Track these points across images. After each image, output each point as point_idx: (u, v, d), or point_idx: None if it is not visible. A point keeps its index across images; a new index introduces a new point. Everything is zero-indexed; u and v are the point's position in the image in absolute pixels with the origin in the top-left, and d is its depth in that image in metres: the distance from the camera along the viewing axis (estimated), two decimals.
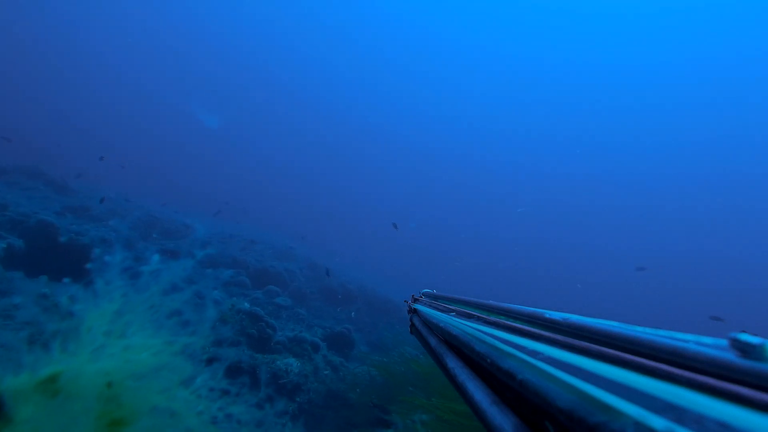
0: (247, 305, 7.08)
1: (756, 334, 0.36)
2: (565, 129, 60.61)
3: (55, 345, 0.98)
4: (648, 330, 0.41)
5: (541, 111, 60.45)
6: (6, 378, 0.80)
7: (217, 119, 62.24)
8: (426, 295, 0.91)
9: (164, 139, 61.22)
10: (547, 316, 0.51)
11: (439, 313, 0.76)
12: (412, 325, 0.86)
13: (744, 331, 0.33)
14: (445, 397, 4.60)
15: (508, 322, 0.55)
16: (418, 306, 0.86)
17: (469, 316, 0.66)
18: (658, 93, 52.21)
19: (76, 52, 52.89)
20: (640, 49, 50.52)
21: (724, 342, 0.35)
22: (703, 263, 57.47)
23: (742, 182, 52.41)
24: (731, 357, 0.33)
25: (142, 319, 1.32)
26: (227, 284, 9.54)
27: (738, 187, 52.87)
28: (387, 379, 6.48)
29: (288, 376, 5.82)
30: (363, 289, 15.15)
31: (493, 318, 0.60)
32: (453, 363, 0.61)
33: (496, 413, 0.47)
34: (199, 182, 53.75)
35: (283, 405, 5.33)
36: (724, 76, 47.79)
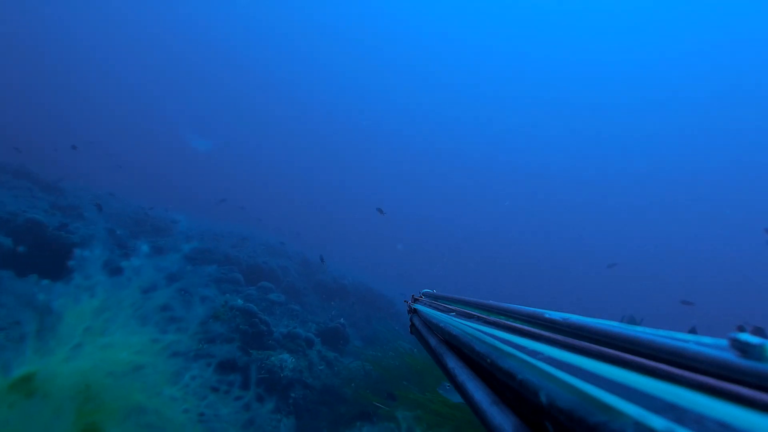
0: (240, 302, 7.06)
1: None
2: (560, 127, 60.91)
3: (30, 343, 0.95)
4: (648, 330, 0.41)
5: (535, 109, 60.64)
6: None
7: (208, 143, 61.80)
8: (426, 295, 0.91)
9: (158, 139, 60.76)
10: (547, 316, 0.51)
11: (439, 313, 0.76)
12: (412, 325, 0.86)
13: (744, 331, 0.34)
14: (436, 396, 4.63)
15: (508, 322, 0.56)
16: (418, 306, 0.86)
17: (469, 316, 0.66)
18: (648, 93, 52.59)
19: (68, 52, 52.15)
20: (632, 49, 50.78)
21: (724, 342, 0.35)
22: (679, 257, 58.56)
23: (726, 180, 53.18)
24: (731, 357, 0.33)
25: (125, 316, 1.29)
26: (219, 281, 9.49)
27: (720, 185, 53.69)
28: (381, 373, 6.51)
29: (282, 372, 5.82)
30: (357, 285, 15.16)
31: (493, 318, 0.60)
32: (453, 363, 0.61)
33: (496, 413, 0.47)
34: (192, 181, 53.46)
35: (277, 401, 5.34)
36: (711, 76, 48.23)
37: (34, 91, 50.19)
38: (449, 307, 0.76)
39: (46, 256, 6.38)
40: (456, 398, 3.53)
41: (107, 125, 54.28)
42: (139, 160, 50.06)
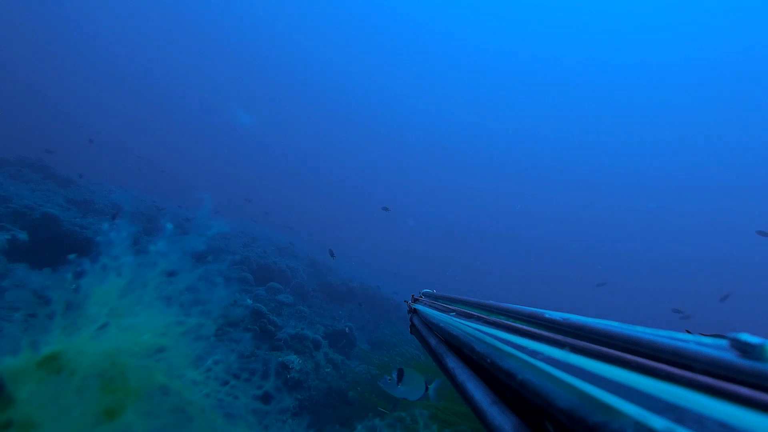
0: (249, 301, 7.10)
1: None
2: (563, 128, 60.70)
3: (58, 322, 0.97)
4: (648, 330, 0.41)
5: (539, 110, 60.51)
6: (5, 359, 0.80)
7: (251, 118, 62.55)
8: (426, 295, 0.91)
9: (172, 137, 61.63)
10: (547, 316, 0.51)
11: (439, 313, 0.76)
12: (412, 325, 0.86)
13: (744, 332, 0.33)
14: (444, 398, 4.59)
15: (508, 322, 0.56)
16: (418, 306, 0.87)
17: (469, 316, 0.66)
18: (651, 93, 52.29)
19: (84, 47, 53.11)
20: (638, 50, 50.54)
21: (724, 342, 0.35)
22: (679, 262, 57.98)
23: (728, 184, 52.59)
24: (731, 357, 0.33)
25: (150, 297, 1.30)
26: (230, 279, 9.54)
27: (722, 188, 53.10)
28: None
29: (289, 373, 5.84)
30: (365, 287, 15.16)
31: (493, 318, 0.60)
32: (453, 363, 0.61)
33: (496, 413, 0.47)
34: (200, 179, 54.11)
35: (285, 401, 5.34)
36: (718, 78, 47.80)
37: (52, 89, 51.27)
38: (449, 307, 0.76)
39: (60, 250, 6.49)
40: (394, 392, 3.44)
41: (119, 122, 55.20)
42: (152, 157, 50.69)
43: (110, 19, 50.03)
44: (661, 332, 0.41)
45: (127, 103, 56.57)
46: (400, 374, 3.35)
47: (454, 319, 0.68)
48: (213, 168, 63.22)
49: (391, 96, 67.06)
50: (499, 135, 66.14)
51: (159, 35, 53.94)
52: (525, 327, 0.52)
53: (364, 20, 58.16)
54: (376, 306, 14.09)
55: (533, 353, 0.46)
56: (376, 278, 20.13)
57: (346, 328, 8.85)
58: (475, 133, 67.55)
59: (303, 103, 66.25)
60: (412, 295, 0.93)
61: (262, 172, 70.19)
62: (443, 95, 64.68)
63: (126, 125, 55.22)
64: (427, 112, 67.31)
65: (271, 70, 63.33)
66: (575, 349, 0.44)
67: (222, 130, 66.26)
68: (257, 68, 62.45)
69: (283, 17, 57.18)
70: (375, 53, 62.05)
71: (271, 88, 64.78)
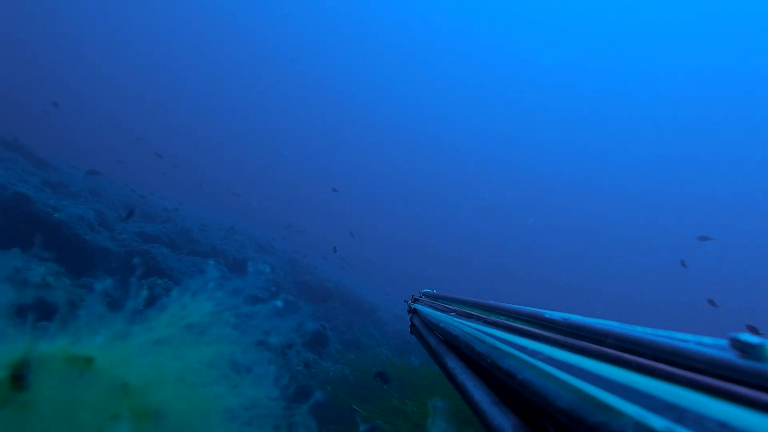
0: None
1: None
2: (562, 131, 61.27)
3: (108, 329, 0.90)
4: (648, 330, 0.42)
5: (539, 112, 61.02)
6: (42, 344, 0.76)
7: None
8: (426, 295, 0.91)
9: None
10: (547, 316, 0.51)
11: (439, 313, 0.76)
12: (412, 325, 0.86)
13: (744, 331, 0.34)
14: (420, 401, 4.57)
15: (508, 322, 0.56)
16: (418, 306, 0.87)
17: (469, 316, 0.66)
18: (652, 98, 53.22)
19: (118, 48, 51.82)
20: (641, 54, 51.35)
21: (724, 342, 0.36)
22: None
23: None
24: (731, 357, 0.33)
25: (205, 350, 1.17)
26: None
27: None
28: (359, 378, 6.45)
29: None
30: (341, 288, 15.07)
31: (493, 318, 0.61)
32: (453, 363, 0.61)
33: (496, 413, 0.47)
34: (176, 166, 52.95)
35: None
36: (720, 82, 48.92)
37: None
38: (449, 307, 0.77)
39: (31, 230, 6.29)
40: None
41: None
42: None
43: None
44: (661, 332, 0.41)
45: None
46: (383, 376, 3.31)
47: (454, 319, 0.68)
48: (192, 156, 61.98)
49: (390, 94, 66.78)
50: (497, 135, 66.39)
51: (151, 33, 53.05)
52: (525, 327, 0.52)
53: (366, 17, 57.67)
54: (351, 307, 14.01)
55: (533, 353, 0.46)
56: (352, 280, 20.01)
57: (320, 327, 8.78)
58: (473, 133, 67.78)
59: (299, 100, 65.66)
60: (412, 295, 0.93)
61: (250, 163, 69.27)
62: (444, 95, 64.65)
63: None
64: (426, 112, 67.34)
65: (270, 67, 62.61)
66: (575, 349, 0.44)
67: (214, 119, 65.19)
68: (254, 62, 61.66)
69: (278, 12, 56.58)
70: (375, 51, 61.74)
71: (268, 85, 64.12)
